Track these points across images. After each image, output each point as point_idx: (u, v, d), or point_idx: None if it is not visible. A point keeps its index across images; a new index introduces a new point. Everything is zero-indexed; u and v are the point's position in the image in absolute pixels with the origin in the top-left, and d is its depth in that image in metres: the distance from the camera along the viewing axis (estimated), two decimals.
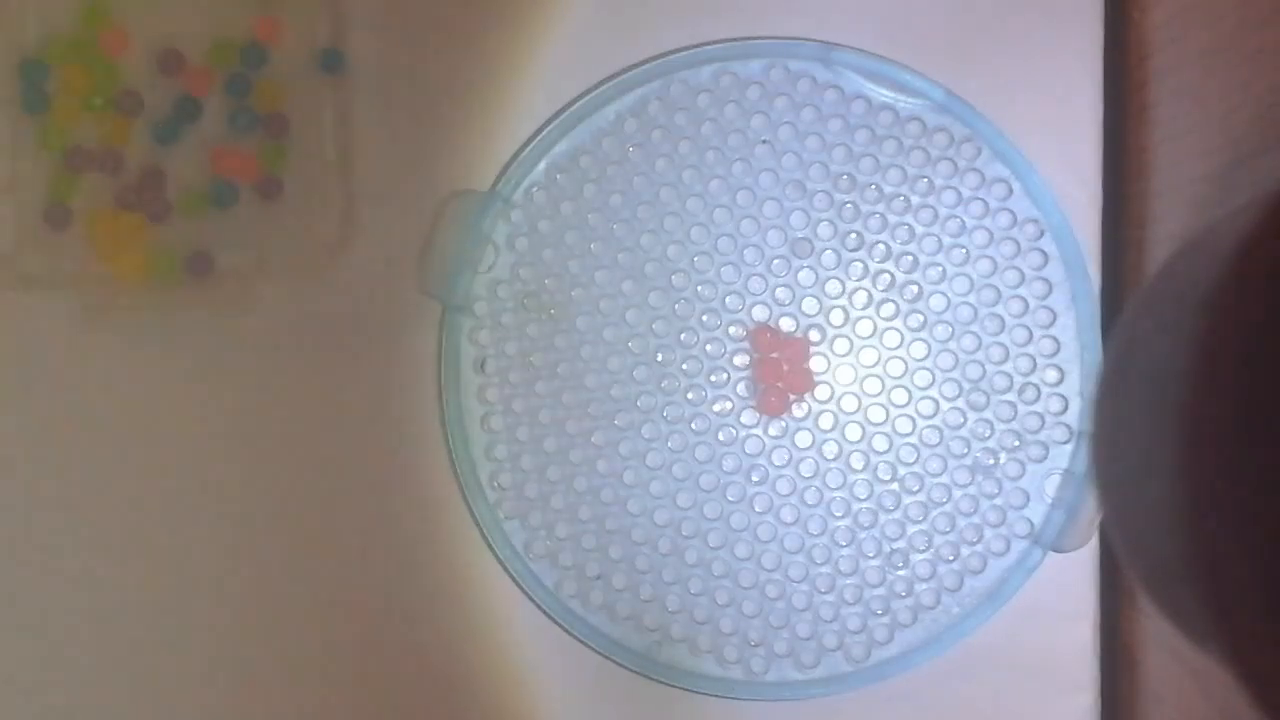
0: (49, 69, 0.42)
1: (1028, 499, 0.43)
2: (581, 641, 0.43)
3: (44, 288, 0.42)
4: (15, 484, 0.43)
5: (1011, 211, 0.43)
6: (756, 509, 0.43)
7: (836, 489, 0.43)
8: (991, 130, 0.43)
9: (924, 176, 0.43)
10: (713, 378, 0.43)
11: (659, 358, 0.43)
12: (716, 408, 0.43)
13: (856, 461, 0.43)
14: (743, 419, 0.43)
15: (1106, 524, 0.29)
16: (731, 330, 0.43)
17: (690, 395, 0.43)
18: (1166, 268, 0.29)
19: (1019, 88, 0.43)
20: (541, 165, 0.43)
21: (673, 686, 0.43)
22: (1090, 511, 0.42)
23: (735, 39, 0.43)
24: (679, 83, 0.43)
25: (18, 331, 0.42)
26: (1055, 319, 0.43)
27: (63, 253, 0.42)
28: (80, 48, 0.42)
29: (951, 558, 0.43)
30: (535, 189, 0.43)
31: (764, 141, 0.43)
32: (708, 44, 0.43)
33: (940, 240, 0.43)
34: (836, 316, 0.43)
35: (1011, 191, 0.43)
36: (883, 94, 0.43)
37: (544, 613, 0.43)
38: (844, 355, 0.43)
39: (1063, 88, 0.43)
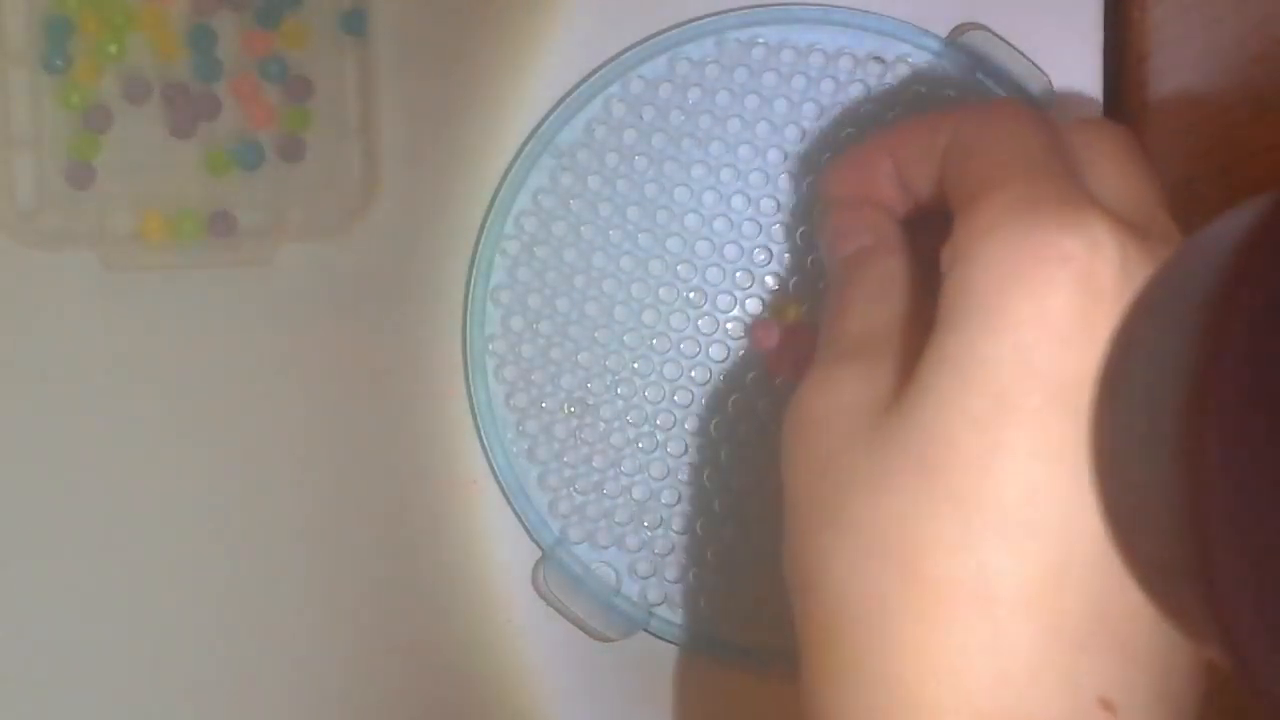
0: (72, 27, 0.41)
1: None
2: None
3: (65, 246, 0.42)
4: (35, 442, 0.43)
5: None
6: None
7: None
8: None
9: None
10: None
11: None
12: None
13: None
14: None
15: (1106, 523, 0.29)
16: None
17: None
18: (1166, 268, 0.29)
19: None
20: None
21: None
22: None
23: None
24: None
25: (38, 290, 0.42)
26: None
27: (83, 211, 0.42)
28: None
29: None
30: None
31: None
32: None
33: None
34: None
35: None
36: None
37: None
38: None
39: (1062, 87, 0.43)
